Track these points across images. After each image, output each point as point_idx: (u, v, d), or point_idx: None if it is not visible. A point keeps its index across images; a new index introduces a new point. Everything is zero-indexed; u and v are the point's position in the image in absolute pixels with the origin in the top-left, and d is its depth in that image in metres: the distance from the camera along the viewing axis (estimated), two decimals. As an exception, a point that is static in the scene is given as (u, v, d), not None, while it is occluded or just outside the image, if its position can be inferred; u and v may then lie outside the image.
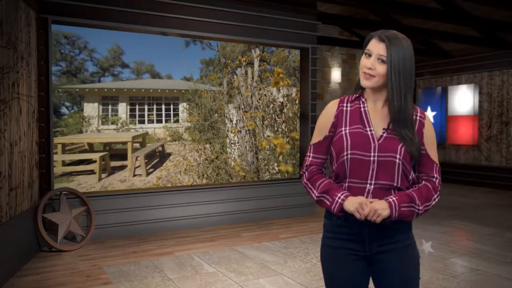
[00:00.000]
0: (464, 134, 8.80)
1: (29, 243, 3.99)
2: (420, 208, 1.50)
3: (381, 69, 1.50)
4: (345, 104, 1.60)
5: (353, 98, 1.61)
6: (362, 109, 1.57)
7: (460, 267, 3.76)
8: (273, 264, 3.81)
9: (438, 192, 1.56)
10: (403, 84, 1.49)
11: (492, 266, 3.77)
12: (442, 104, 9.14)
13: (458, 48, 8.57)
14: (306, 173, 1.63)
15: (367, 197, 1.51)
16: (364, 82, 1.53)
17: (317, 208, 5.98)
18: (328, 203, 1.54)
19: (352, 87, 2.12)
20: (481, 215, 5.95)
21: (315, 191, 1.58)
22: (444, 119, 9.11)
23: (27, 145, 3.93)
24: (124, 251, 4.22)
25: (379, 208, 1.45)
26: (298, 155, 5.90)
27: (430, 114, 9.20)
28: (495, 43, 7.79)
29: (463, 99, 8.79)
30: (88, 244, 4.41)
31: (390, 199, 1.48)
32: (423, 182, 1.56)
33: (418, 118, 1.56)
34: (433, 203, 1.55)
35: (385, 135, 1.53)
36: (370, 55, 1.52)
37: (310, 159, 1.64)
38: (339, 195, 1.51)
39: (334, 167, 1.59)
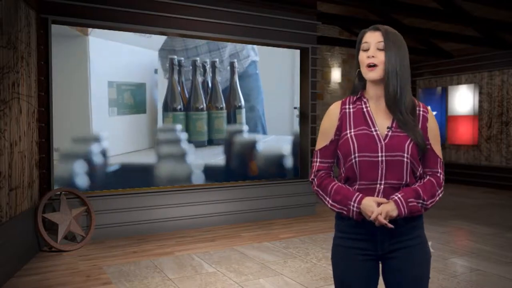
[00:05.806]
0: (464, 134, 8.79)
1: (29, 243, 3.98)
2: (427, 202, 1.51)
3: (382, 56, 1.50)
4: (347, 106, 1.59)
5: (354, 99, 1.60)
6: (364, 110, 1.56)
7: (460, 267, 3.76)
8: (273, 264, 3.81)
9: (442, 188, 1.57)
10: (400, 72, 1.50)
11: (492, 266, 3.77)
12: (442, 104, 9.14)
13: (458, 48, 8.57)
14: (316, 180, 1.61)
15: (378, 196, 1.51)
16: (369, 75, 1.52)
17: (318, 208, 5.98)
18: (345, 213, 1.53)
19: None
20: (481, 215, 5.94)
21: (328, 199, 1.56)
22: (444, 119, 9.11)
23: (27, 145, 3.93)
24: (124, 251, 4.22)
25: (390, 209, 1.45)
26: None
27: (430, 114, 9.17)
28: (495, 43, 7.79)
29: (463, 99, 8.79)
30: (88, 244, 4.41)
31: (396, 197, 1.48)
32: (428, 177, 1.56)
33: (421, 113, 1.56)
34: (437, 198, 1.55)
35: (390, 133, 1.52)
36: (368, 48, 1.53)
37: (318, 164, 1.61)
38: (352, 203, 1.50)
39: (342, 170, 1.58)
